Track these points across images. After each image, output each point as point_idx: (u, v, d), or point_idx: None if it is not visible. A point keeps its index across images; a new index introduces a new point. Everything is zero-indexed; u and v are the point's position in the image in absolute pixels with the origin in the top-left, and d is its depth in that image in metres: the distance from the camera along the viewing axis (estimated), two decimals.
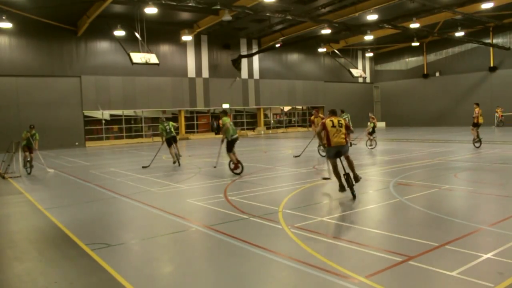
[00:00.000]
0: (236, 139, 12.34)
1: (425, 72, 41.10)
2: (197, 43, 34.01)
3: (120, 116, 32.36)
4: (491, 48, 35.85)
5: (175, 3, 22.19)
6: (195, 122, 36.47)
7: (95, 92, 29.67)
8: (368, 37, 32.52)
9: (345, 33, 33.23)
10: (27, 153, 15.07)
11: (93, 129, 31.30)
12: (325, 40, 37.31)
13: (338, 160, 8.66)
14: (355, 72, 38.30)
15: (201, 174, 13.21)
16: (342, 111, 19.06)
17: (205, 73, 34.82)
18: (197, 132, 36.23)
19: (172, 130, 15.46)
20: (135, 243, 6.29)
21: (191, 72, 34.10)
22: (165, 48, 32.59)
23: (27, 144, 15.11)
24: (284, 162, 15.77)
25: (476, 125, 17.62)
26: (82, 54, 29.24)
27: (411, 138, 25.95)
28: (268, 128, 40.11)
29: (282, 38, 34.46)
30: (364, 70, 44.02)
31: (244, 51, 36.56)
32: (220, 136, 13.46)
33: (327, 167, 10.76)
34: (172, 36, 32.18)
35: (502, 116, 34.10)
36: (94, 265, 5.32)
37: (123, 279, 4.80)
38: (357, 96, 44.19)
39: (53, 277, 5.08)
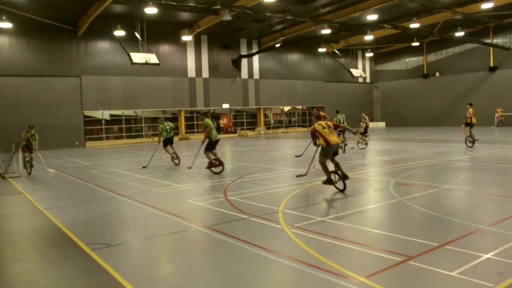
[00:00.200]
0: (218, 140, 13.07)
1: (425, 72, 41.08)
2: (197, 43, 34.01)
3: (120, 116, 32.36)
4: (491, 48, 35.83)
5: (175, 3, 22.17)
6: (195, 122, 36.46)
7: (95, 92, 29.67)
8: (368, 37, 32.49)
9: (345, 33, 33.18)
10: (27, 153, 15.06)
11: (93, 129, 31.30)
12: (325, 40, 37.27)
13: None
14: (355, 72, 38.28)
15: (201, 174, 13.21)
16: (337, 112, 18.51)
17: (205, 73, 34.81)
18: (197, 132, 36.21)
19: (170, 131, 15.56)
20: (135, 243, 6.30)
21: (191, 72, 34.08)
22: (165, 48, 32.59)
23: (26, 145, 15.09)
24: (284, 162, 15.78)
25: (469, 124, 17.74)
26: (82, 54, 29.23)
27: (411, 138, 25.95)
28: (268, 128, 40.11)
29: (282, 38, 34.44)
30: (364, 70, 44.01)
31: (244, 51, 36.55)
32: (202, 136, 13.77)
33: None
34: (172, 36, 32.19)
35: (502, 116, 34.12)
36: (94, 265, 5.32)
37: (123, 279, 4.80)
38: (357, 96, 44.20)
39: (53, 277, 5.08)
